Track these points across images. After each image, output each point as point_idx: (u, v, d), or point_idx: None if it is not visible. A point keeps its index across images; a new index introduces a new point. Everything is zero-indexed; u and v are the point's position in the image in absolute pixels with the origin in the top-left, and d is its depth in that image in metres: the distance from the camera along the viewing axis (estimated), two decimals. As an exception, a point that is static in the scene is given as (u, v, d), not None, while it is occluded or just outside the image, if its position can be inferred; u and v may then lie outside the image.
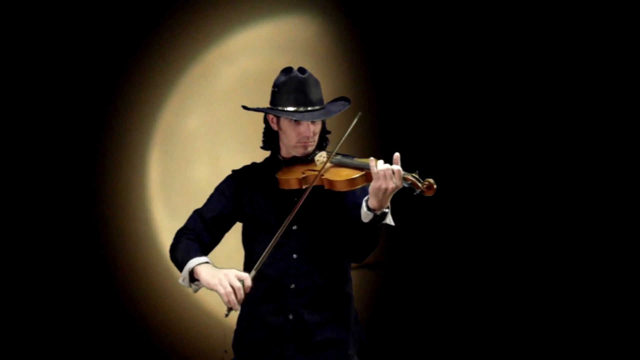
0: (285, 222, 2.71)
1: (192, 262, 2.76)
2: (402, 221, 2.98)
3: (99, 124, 5.15)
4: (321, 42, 5.27)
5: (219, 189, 2.96)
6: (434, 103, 5.22)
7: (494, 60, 5.14)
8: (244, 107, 2.97)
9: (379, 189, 2.62)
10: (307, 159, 2.87)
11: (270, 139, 2.94)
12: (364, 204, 2.68)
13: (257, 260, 2.72)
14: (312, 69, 2.96)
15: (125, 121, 5.19)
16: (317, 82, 2.88)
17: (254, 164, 3.02)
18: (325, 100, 2.92)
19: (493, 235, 5.14)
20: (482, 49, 5.15)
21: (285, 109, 2.83)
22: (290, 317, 2.82)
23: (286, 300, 2.82)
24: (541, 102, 5.10)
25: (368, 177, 2.66)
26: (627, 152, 4.96)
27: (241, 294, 2.65)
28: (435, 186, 2.62)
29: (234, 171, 2.99)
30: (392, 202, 2.68)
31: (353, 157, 2.80)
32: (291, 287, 2.82)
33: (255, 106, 2.95)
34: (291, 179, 2.81)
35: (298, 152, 2.87)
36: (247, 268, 2.91)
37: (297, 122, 2.83)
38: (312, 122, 2.84)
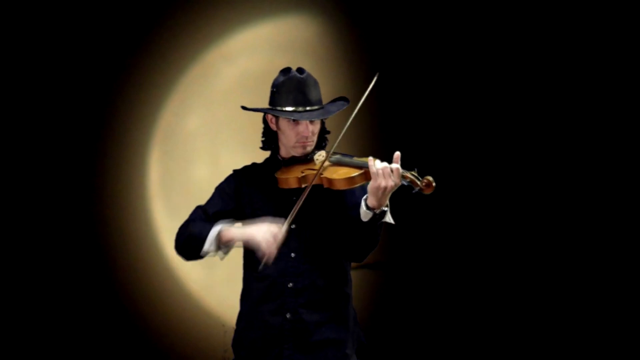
0: (290, 215, 2.71)
1: (218, 225, 2.80)
2: (401, 221, 2.98)
3: (99, 124, 5.15)
4: (321, 42, 5.27)
5: (220, 188, 2.97)
6: (434, 103, 5.22)
7: (493, 59, 5.14)
8: (243, 108, 2.97)
9: (377, 187, 2.62)
10: (306, 159, 2.88)
11: (270, 139, 2.94)
12: (363, 203, 2.68)
13: (257, 260, 2.72)
14: (312, 69, 2.96)
15: (125, 121, 5.19)
16: (315, 82, 2.88)
17: (254, 164, 3.02)
18: (325, 101, 2.92)
19: (493, 234, 5.14)
20: (482, 49, 5.15)
21: (284, 109, 2.83)
22: (288, 316, 2.82)
23: (285, 299, 2.82)
24: (541, 101, 5.10)
25: (367, 175, 2.66)
26: (627, 152, 4.96)
27: (277, 244, 2.67)
28: (434, 184, 2.62)
29: (235, 171, 3.00)
30: (391, 200, 2.68)
31: (352, 156, 2.81)
32: (289, 286, 2.82)
33: (254, 106, 2.95)
34: (290, 178, 2.81)
35: (297, 152, 2.87)
36: (247, 268, 2.92)
37: (296, 121, 2.83)
38: (311, 122, 2.84)
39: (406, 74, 5.21)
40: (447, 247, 5.21)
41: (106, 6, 5.07)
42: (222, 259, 2.86)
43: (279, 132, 2.90)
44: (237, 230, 2.78)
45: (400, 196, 2.84)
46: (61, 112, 5.06)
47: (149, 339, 5.16)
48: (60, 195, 5.05)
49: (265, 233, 2.68)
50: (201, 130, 5.24)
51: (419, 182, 2.63)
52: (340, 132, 2.80)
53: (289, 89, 2.84)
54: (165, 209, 5.20)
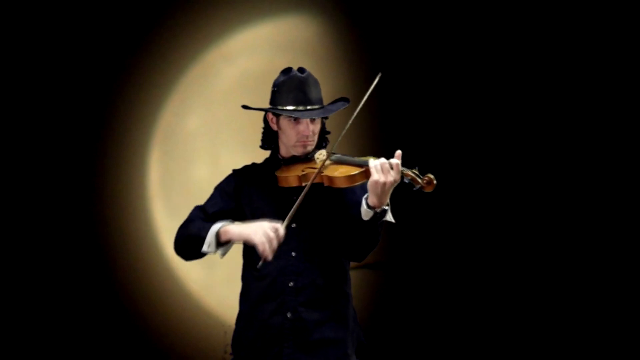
0: (290, 213, 2.71)
1: (217, 225, 2.79)
2: (402, 220, 2.98)
3: (99, 124, 5.15)
4: (321, 42, 5.27)
5: (220, 187, 2.96)
6: (434, 103, 5.22)
7: (493, 59, 5.14)
8: (244, 107, 2.97)
9: (377, 182, 2.62)
10: (307, 158, 2.88)
11: (270, 138, 2.95)
12: (363, 202, 2.68)
13: (257, 260, 2.72)
14: (312, 69, 2.96)
15: (125, 121, 5.19)
16: (316, 82, 2.89)
17: (254, 164, 3.02)
18: (326, 101, 2.93)
19: (493, 233, 5.14)
20: (482, 49, 5.15)
21: (285, 108, 2.84)
22: (289, 315, 2.81)
23: (285, 298, 2.82)
24: (541, 100, 5.10)
25: (367, 173, 2.66)
26: (627, 152, 4.96)
27: (275, 244, 2.66)
28: (435, 182, 2.62)
29: (234, 170, 3.00)
30: (391, 199, 2.68)
31: (353, 156, 2.81)
32: (289, 284, 2.82)
33: (255, 106, 2.95)
34: (290, 176, 2.81)
35: (297, 151, 2.88)
36: (246, 267, 2.92)
37: (297, 121, 2.83)
38: (312, 121, 2.84)
39: (406, 74, 5.21)
40: (448, 246, 5.21)
41: (106, 6, 5.07)
42: (221, 257, 2.86)
43: (279, 131, 2.90)
44: (235, 230, 2.77)
45: (401, 196, 2.84)
46: (61, 112, 5.06)
47: (149, 339, 5.15)
48: (60, 195, 5.05)
49: (263, 233, 2.67)
50: (201, 130, 5.24)
51: (419, 180, 2.64)
52: (341, 132, 2.80)
53: (290, 88, 2.84)
54: (165, 209, 5.20)
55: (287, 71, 2.89)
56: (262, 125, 2.97)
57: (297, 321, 2.81)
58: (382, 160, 2.64)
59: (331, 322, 2.84)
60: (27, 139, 5.01)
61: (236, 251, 2.97)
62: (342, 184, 2.72)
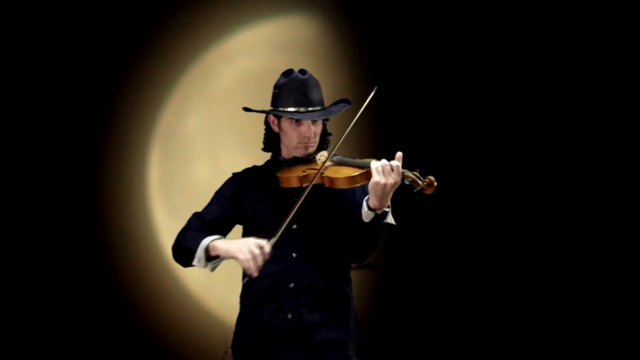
0: (290, 212, 2.71)
1: (207, 240, 2.79)
2: (402, 221, 2.98)
3: (99, 124, 5.15)
4: (321, 42, 5.27)
5: (219, 192, 2.97)
6: (434, 103, 5.22)
7: (493, 59, 5.14)
8: (245, 109, 2.97)
9: (378, 184, 2.62)
10: (308, 159, 2.88)
11: (271, 140, 2.95)
12: (364, 204, 2.68)
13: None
14: (312, 69, 2.96)
15: (125, 121, 5.19)
16: (317, 83, 2.89)
17: (254, 166, 3.02)
18: (327, 102, 2.93)
19: (494, 234, 5.14)
20: (482, 49, 5.15)
21: (286, 109, 2.84)
22: (290, 316, 2.82)
23: (286, 299, 2.82)
24: (541, 100, 5.10)
25: (368, 175, 2.67)
26: (627, 152, 4.96)
27: (260, 260, 2.66)
28: (435, 184, 2.62)
29: (234, 174, 3.00)
30: (392, 201, 2.68)
31: (354, 158, 2.81)
32: (290, 286, 2.83)
33: (255, 107, 2.96)
34: (292, 177, 2.81)
35: (299, 152, 2.88)
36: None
37: (298, 122, 2.83)
38: (313, 123, 2.85)
39: (406, 75, 5.21)
40: (448, 247, 5.21)
41: (106, 6, 5.07)
42: (211, 271, 2.85)
43: (280, 133, 2.90)
44: (222, 246, 2.76)
45: (400, 196, 2.84)
46: (61, 112, 5.06)
47: (149, 339, 5.15)
48: (60, 195, 5.05)
49: (248, 250, 2.66)
50: (201, 130, 5.24)
51: (420, 182, 2.64)
52: (342, 135, 2.80)
53: (291, 89, 2.84)
54: (165, 209, 5.19)
55: (288, 73, 2.89)
56: (262, 125, 2.97)
57: (298, 322, 2.82)
58: (383, 162, 2.64)
59: (332, 323, 2.84)
60: (28, 139, 5.01)
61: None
62: (343, 185, 2.72)
